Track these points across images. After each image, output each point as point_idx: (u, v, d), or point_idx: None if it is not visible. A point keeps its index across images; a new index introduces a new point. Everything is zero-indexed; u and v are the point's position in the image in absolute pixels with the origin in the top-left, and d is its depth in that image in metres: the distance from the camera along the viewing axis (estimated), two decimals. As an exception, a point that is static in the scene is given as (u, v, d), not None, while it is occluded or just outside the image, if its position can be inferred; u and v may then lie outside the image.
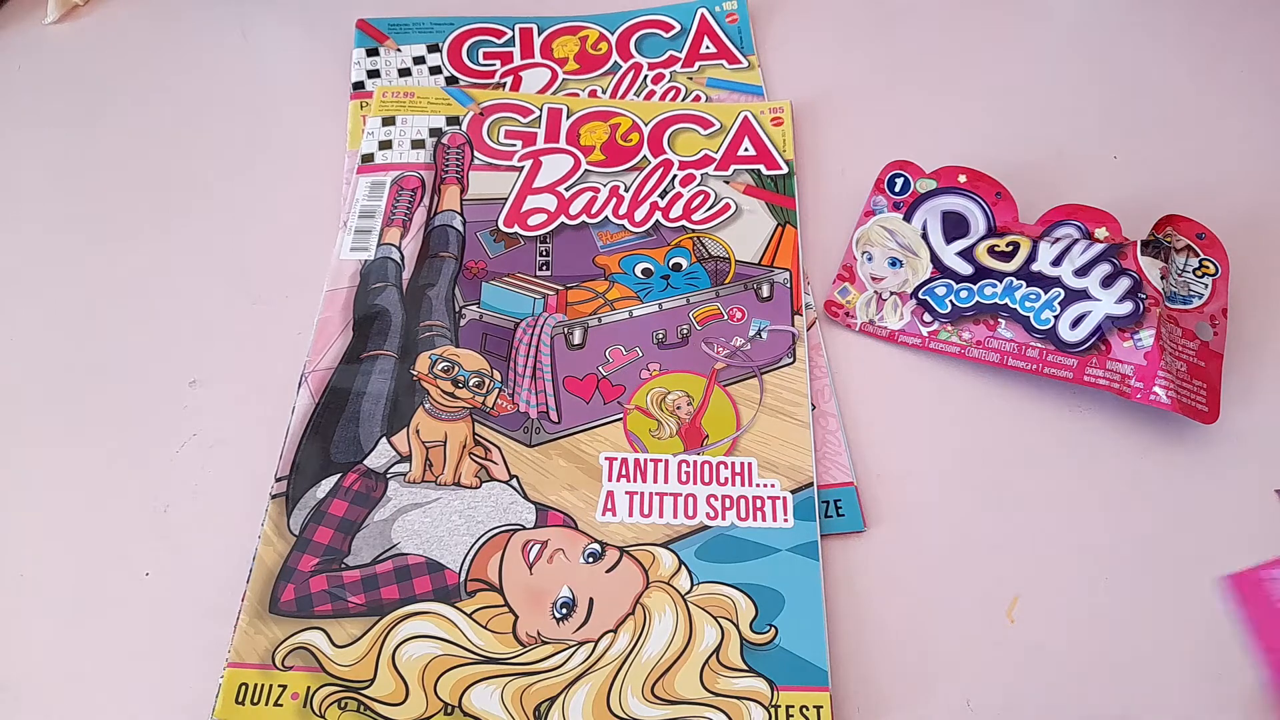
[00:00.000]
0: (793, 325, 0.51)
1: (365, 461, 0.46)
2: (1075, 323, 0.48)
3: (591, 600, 0.42)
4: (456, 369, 0.49)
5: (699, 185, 0.56)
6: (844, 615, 0.42)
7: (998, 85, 0.62)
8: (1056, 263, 0.49)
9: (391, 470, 0.45)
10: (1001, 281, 0.50)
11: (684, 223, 0.55)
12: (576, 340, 0.50)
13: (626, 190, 0.56)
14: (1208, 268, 0.50)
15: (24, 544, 0.45)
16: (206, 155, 0.59)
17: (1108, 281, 0.48)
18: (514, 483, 0.45)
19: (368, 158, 0.57)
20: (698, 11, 0.66)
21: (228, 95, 0.62)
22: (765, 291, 0.52)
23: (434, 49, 0.64)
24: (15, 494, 0.46)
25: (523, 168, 0.57)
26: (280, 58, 0.65)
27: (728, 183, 0.56)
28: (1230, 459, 0.47)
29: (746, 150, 0.58)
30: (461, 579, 0.43)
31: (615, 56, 0.63)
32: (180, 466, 0.47)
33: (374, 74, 0.62)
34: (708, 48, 0.64)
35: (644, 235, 0.54)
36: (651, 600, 0.42)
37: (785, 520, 0.44)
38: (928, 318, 0.51)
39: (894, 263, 0.53)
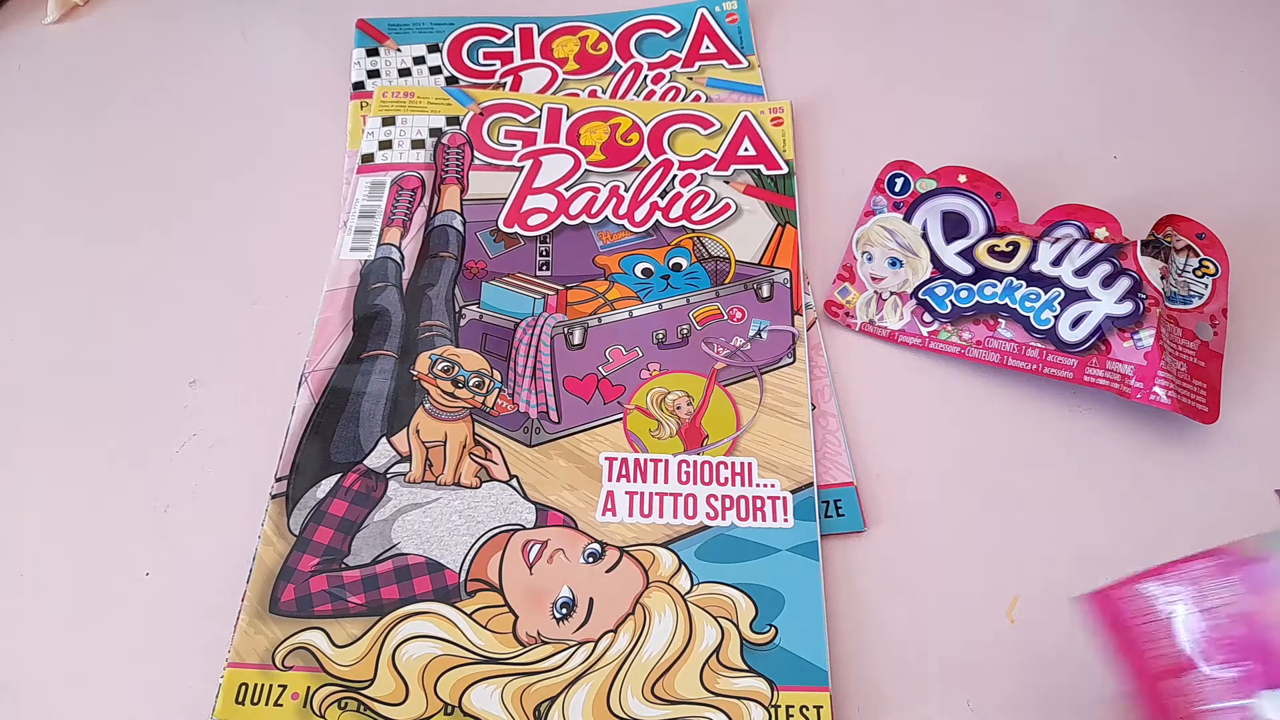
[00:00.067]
0: (793, 325, 0.51)
1: (365, 461, 0.46)
2: (1075, 323, 0.48)
3: (591, 600, 0.42)
4: (456, 369, 0.49)
5: (699, 185, 0.56)
6: (844, 615, 0.42)
7: (998, 85, 0.62)
8: (1056, 263, 0.49)
9: (391, 470, 0.45)
10: (1001, 281, 0.50)
11: (684, 223, 0.55)
12: (576, 340, 0.50)
13: (626, 190, 0.56)
14: (1208, 268, 0.50)
15: (24, 544, 0.45)
16: (206, 155, 0.59)
17: (1108, 281, 0.48)
18: (514, 483, 0.45)
19: (368, 158, 0.57)
20: (698, 11, 0.66)
21: (228, 95, 0.62)
22: (765, 291, 0.52)
23: (434, 49, 0.64)
24: (15, 494, 0.46)
25: (523, 168, 0.57)
26: (280, 58, 0.65)
27: (728, 183, 0.56)
28: (1230, 459, 0.47)
29: (746, 150, 0.58)
30: (461, 579, 0.43)
31: (615, 56, 0.63)
32: (180, 466, 0.47)
33: (374, 74, 0.62)
34: (708, 48, 0.64)
35: (644, 235, 0.54)
36: (651, 600, 0.42)
37: (785, 520, 0.44)
38: (928, 318, 0.51)
39: (894, 263, 0.53)
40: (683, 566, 0.43)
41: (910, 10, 0.67)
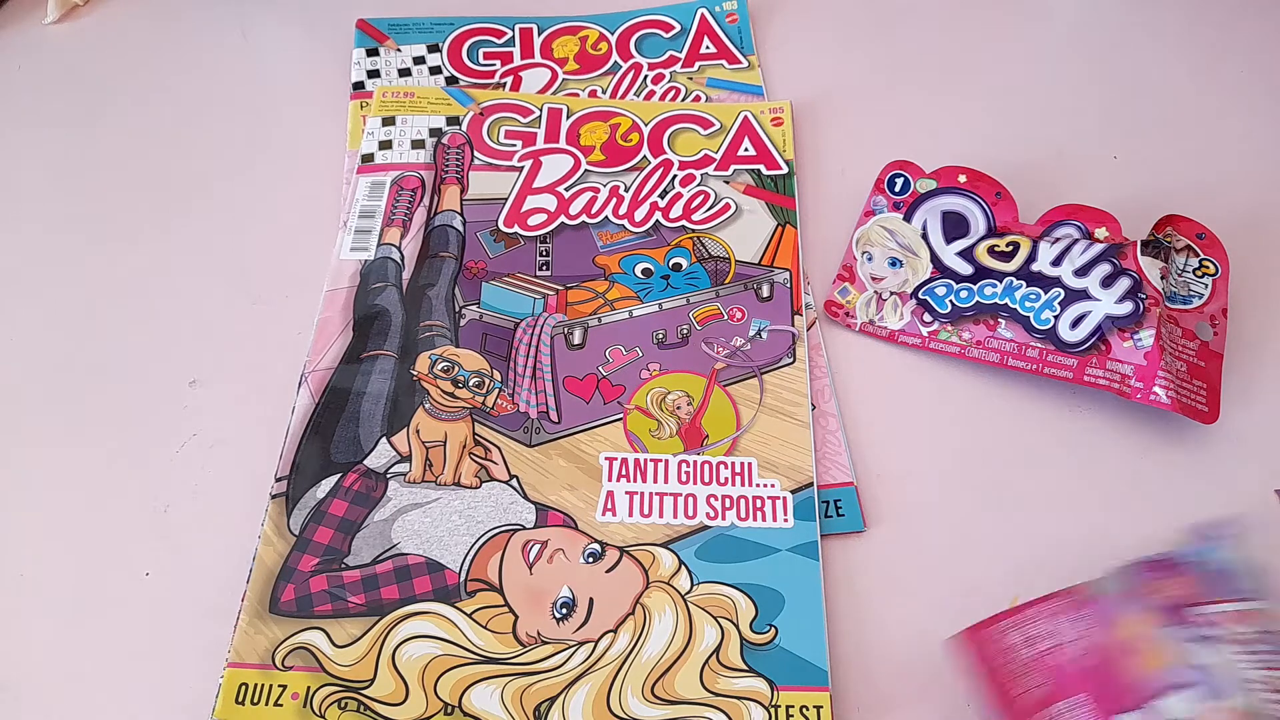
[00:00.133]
0: (793, 325, 0.51)
1: (365, 461, 0.46)
2: (1075, 323, 0.48)
3: (591, 600, 0.42)
4: (456, 369, 0.49)
5: (699, 185, 0.56)
6: (844, 615, 0.42)
7: (998, 85, 0.62)
8: (1056, 263, 0.49)
9: (391, 470, 0.45)
10: (1001, 281, 0.50)
11: (684, 223, 0.55)
12: (576, 340, 0.50)
13: (626, 190, 0.56)
14: (1208, 268, 0.50)
15: (24, 544, 0.45)
16: (206, 155, 0.59)
17: (1108, 281, 0.48)
18: (514, 483, 0.45)
19: (368, 158, 0.57)
20: (698, 11, 0.66)
21: (228, 95, 0.62)
22: (765, 291, 0.52)
23: (434, 49, 0.64)
24: (15, 494, 0.46)
25: (523, 168, 0.57)
26: (280, 58, 0.65)
27: (728, 183, 0.56)
28: (1230, 459, 0.47)
29: (746, 150, 0.58)
30: (461, 579, 0.43)
31: (615, 56, 0.63)
32: (180, 466, 0.47)
33: (374, 74, 0.62)
34: (708, 48, 0.64)
35: (644, 235, 0.54)
36: (651, 600, 0.42)
37: (785, 520, 0.44)
38: (928, 318, 0.51)
39: (894, 263, 0.53)
40: (683, 566, 0.43)
41: (910, 10, 0.67)
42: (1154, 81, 0.62)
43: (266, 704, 0.39)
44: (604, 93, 0.61)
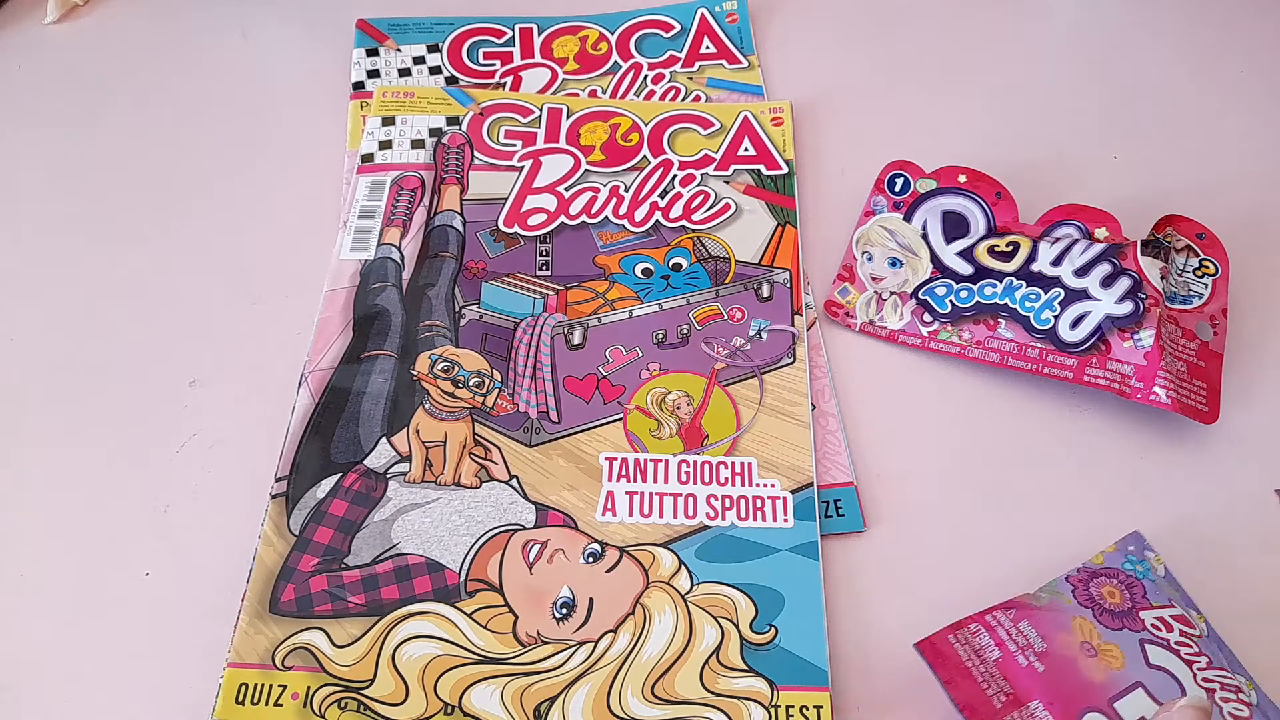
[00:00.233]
0: (793, 325, 0.51)
1: (365, 461, 0.46)
2: (1075, 323, 0.48)
3: (591, 600, 0.42)
4: (456, 369, 0.49)
5: (699, 185, 0.56)
6: (844, 615, 0.42)
7: (998, 85, 0.62)
8: (1056, 263, 0.49)
9: (391, 470, 0.45)
10: (1001, 281, 0.50)
11: (684, 223, 0.55)
12: (576, 340, 0.50)
13: (626, 190, 0.56)
14: (1208, 268, 0.50)
15: (24, 544, 0.45)
16: (206, 155, 0.59)
17: (1108, 281, 0.48)
18: (514, 483, 0.45)
19: (368, 158, 0.57)
20: (698, 11, 0.66)
21: (228, 95, 0.62)
22: (765, 291, 0.52)
23: (434, 49, 0.64)
24: (15, 494, 0.46)
25: (523, 168, 0.57)
26: (280, 58, 0.65)
27: (728, 183, 0.56)
28: (1230, 459, 0.47)
29: (746, 150, 0.58)
30: (461, 579, 0.43)
31: (615, 56, 0.63)
32: (180, 466, 0.47)
33: (374, 74, 0.62)
34: (708, 48, 0.64)
35: (644, 235, 0.54)
36: (651, 600, 0.42)
37: (785, 520, 0.44)
38: (928, 318, 0.51)
39: (894, 263, 0.53)
40: (683, 566, 0.43)
41: (910, 10, 0.67)
42: (1154, 81, 0.62)
43: (266, 704, 0.39)
44: (604, 93, 0.61)
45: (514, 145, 0.58)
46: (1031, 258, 0.50)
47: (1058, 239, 0.50)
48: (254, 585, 0.42)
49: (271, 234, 0.55)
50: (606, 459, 0.46)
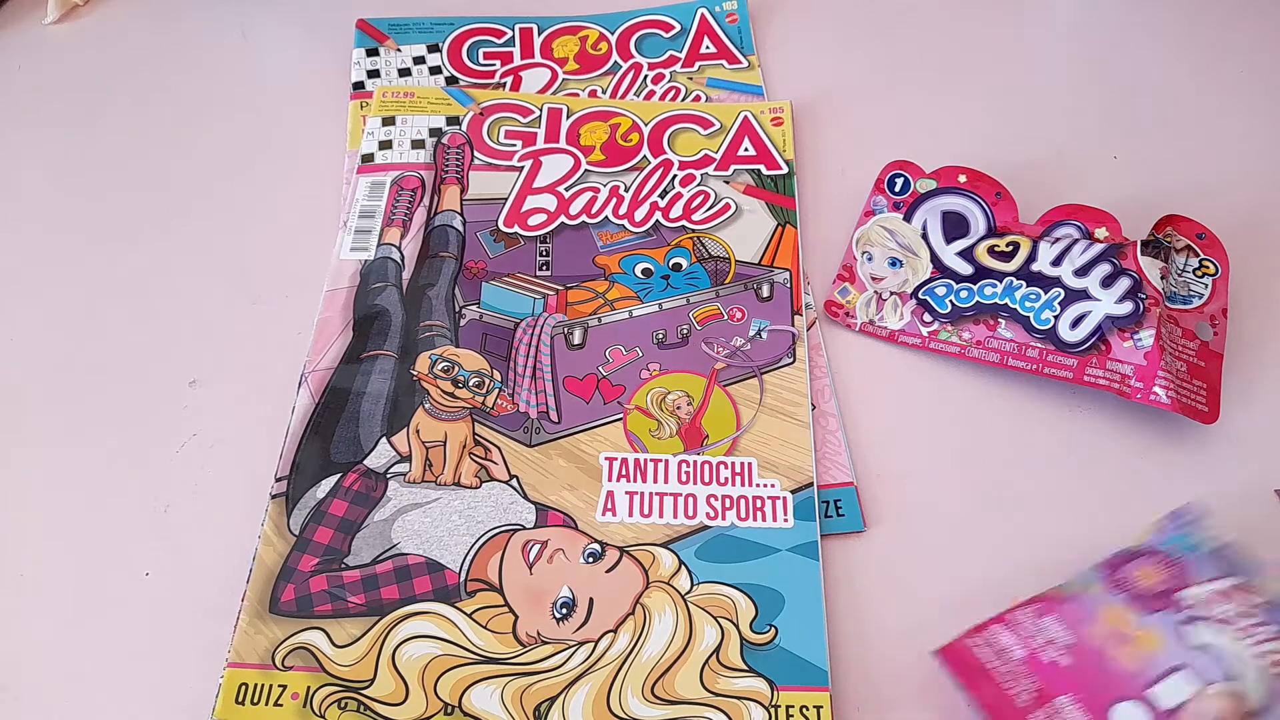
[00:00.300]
0: (793, 325, 0.51)
1: (365, 461, 0.46)
2: (1075, 323, 0.48)
3: (591, 600, 0.42)
4: (456, 369, 0.49)
5: (699, 185, 0.56)
6: (844, 615, 0.42)
7: (998, 85, 0.62)
8: (1056, 263, 0.49)
9: (391, 470, 0.45)
10: (1001, 281, 0.50)
11: (684, 223, 0.55)
12: (576, 340, 0.50)
13: (626, 190, 0.56)
14: (1208, 268, 0.50)
15: (24, 544, 0.45)
16: (206, 155, 0.59)
17: (1108, 281, 0.48)
18: (514, 483, 0.45)
19: (368, 158, 0.57)
20: (698, 11, 0.66)
21: (228, 95, 0.63)
22: (765, 291, 0.52)
23: (434, 49, 0.64)
24: (15, 494, 0.46)
25: (523, 168, 0.57)
26: (280, 58, 0.65)
27: (728, 183, 0.56)
28: (1230, 459, 0.47)
29: (746, 150, 0.58)
30: (461, 579, 0.43)
31: (615, 56, 0.63)
32: (180, 466, 0.47)
33: (374, 74, 0.62)
34: (708, 48, 0.64)
35: (644, 235, 0.54)
36: (651, 600, 0.42)
37: (785, 520, 0.44)
38: (928, 318, 0.51)
39: (894, 263, 0.53)
40: (683, 566, 0.43)
41: (910, 10, 0.67)
42: (1154, 81, 0.62)
43: (266, 704, 0.39)
44: (604, 93, 0.61)
45: (514, 145, 0.58)
46: (1031, 258, 0.50)
47: (1058, 239, 0.50)
48: (254, 585, 0.42)
49: (271, 234, 0.55)
50: (606, 459, 0.46)
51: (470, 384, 0.48)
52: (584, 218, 0.55)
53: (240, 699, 0.39)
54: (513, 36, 0.64)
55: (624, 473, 0.46)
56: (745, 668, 0.40)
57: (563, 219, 0.55)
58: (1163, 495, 0.46)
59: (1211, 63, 0.63)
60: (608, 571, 0.43)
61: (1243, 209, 0.55)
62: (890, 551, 0.44)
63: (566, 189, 0.56)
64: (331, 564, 0.43)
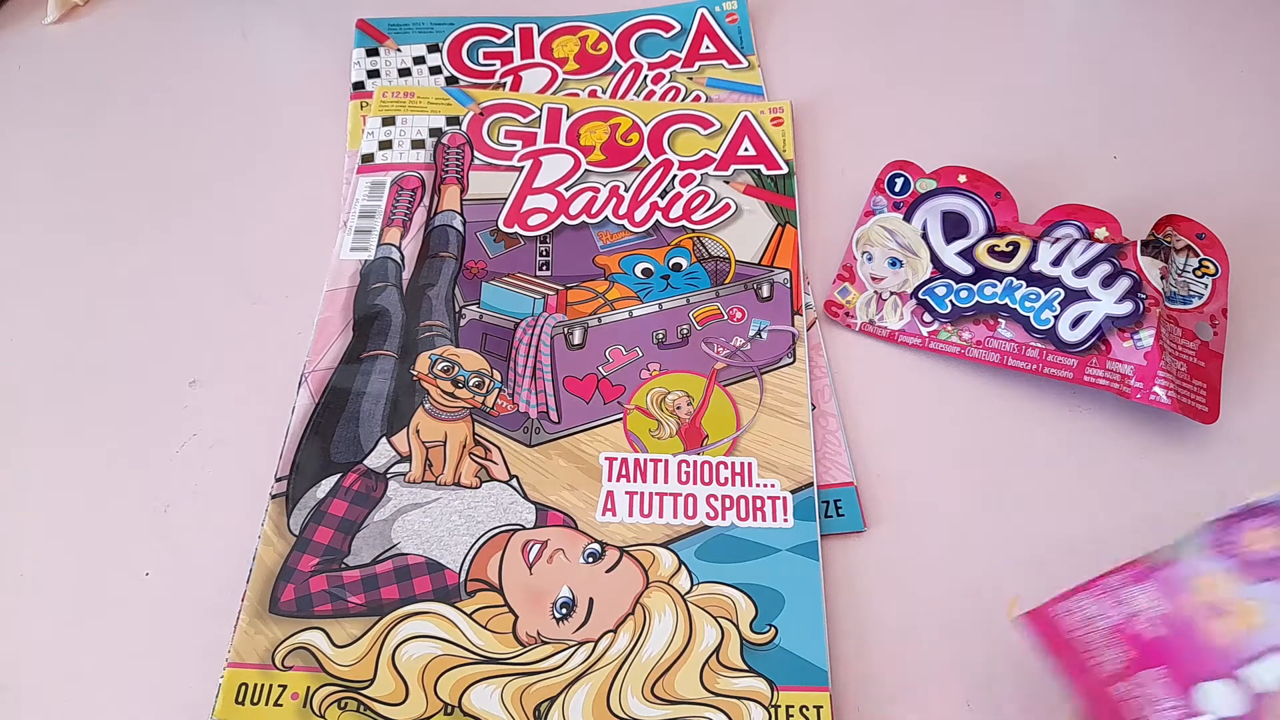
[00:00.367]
0: (793, 325, 0.51)
1: (365, 461, 0.46)
2: (1075, 323, 0.48)
3: (591, 600, 0.42)
4: (456, 369, 0.49)
5: (699, 185, 0.56)
6: (844, 615, 0.42)
7: (998, 85, 0.62)
8: (1056, 263, 0.49)
9: (391, 470, 0.45)
10: (1001, 281, 0.50)
11: (684, 223, 0.55)
12: (576, 340, 0.50)
13: (626, 190, 0.56)
14: (1208, 268, 0.50)
15: (24, 544, 0.45)
16: (206, 155, 0.59)
17: (1108, 281, 0.48)
18: (514, 483, 0.45)
19: (368, 158, 0.57)
20: (698, 11, 0.66)
21: (228, 95, 0.63)
22: (765, 291, 0.52)
23: (434, 49, 0.64)
24: (15, 494, 0.46)
25: (523, 168, 0.57)
26: (280, 58, 0.65)
27: (728, 183, 0.56)
28: (1230, 459, 0.47)
29: (746, 150, 0.58)
30: (461, 579, 0.43)
31: (615, 56, 0.63)
32: (180, 466, 0.47)
33: (374, 74, 0.62)
34: (708, 48, 0.64)
35: (644, 235, 0.54)
36: (651, 600, 0.42)
37: (785, 520, 0.44)
38: (928, 318, 0.51)
39: (894, 263, 0.53)
40: (683, 566, 0.43)
41: (910, 10, 0.67)
42: (1154, 81, 0.62)
43: (266, 704, 0.39)
44: (604, 93, 0.61)
45: (514, 145, 0.58)
46: (1031, 258, 0.50)
47: (1058, 239, 0.50)
48: (254, 585, 0.42)
49: (271, 234, 0.55)
50: (606, 459, 0.46)
51: (470, 384, 0.48)
52: (584, 218, 0.55)
53: (240, 699, 0.39)
54: (513, 36, 0.64)
55: (624, 473, 0.46)
56: (745, 668, 0.40)
57: (563, 219, 0.55)
58: (1163, 495, 0.46)
59: (1211, 63, 0.63)
60: (608, 571, 0.43)
61: (1243, 209, 0.55)
62: (890, 551, 0.44)
63: (566, 189, 0.56)
64: (331, 564, 0.43)
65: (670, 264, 0.53)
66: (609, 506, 0.45)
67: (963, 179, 0.53)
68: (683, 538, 0.44)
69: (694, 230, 0.54)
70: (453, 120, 0.59)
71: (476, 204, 0.55)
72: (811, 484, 0.45)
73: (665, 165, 0.57)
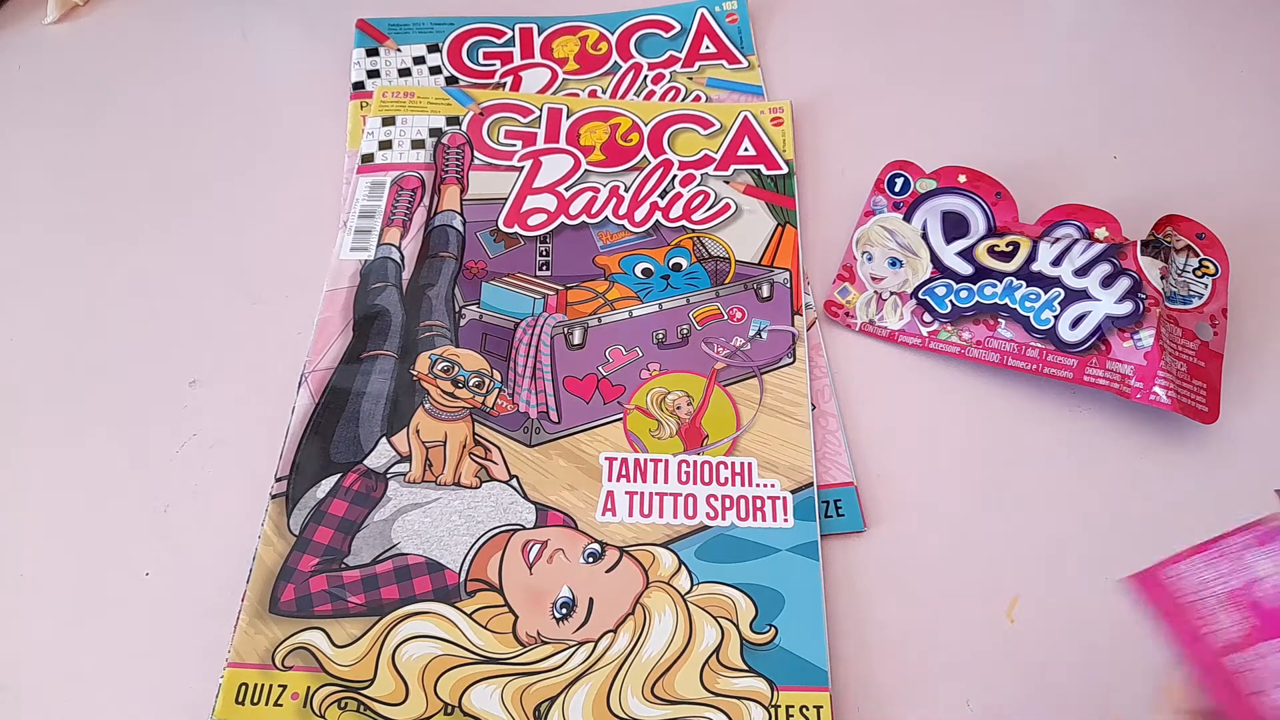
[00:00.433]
0: (793, 325, 0.51)
1: (365, 461, 0.46)
2: (1075, 323, 0.48)
3: (591, 600, 0.42)
4: (456, 369, 0.49)
5: (699, 185, 0.56)
6: (844, 615, 0.42)
7: (998, 85, 0.62)
8: (1056, 263, 0.49)
9: (391, 470, 0.45)
10: (1001, 281, 0.50)
11: (684, 223, 0.55)
12: (576, 340, 0.50)
13: (626, 190, 0.56)
14: (1208, 268, 0.50)
15: (24, 544, 0.45)
16: (206, 155, 0.59)
17: (1108, 281, 0.48)
18: (514, 483, 0.45)
19: (368, 158, 0.57)
20: (698, 11, 0.66)
21: (228, 95, 0.62)
22: (765, 291, 0.52)
23: (434, 49, 0.64)
24: (15, 494, 0.46)
25: (523, 168, 0.57)
26: (280, 58, 0.65)
27: (728, 183, 0.56)
28: (1230, 459, 0.47)
29: (746, 150, 0.58)
30: (461, 579, 0.43)
31: (615, 56, 0.63)
32: (180, 466, 0.47)
33: (374, 74, 0.62)
34: (708, 48, 0.64)
35: (644, 235, 0.54)
36: (651, 600, 0.42)
37: (785, 520, 0.44)
38: (928, 318, 0.51)
39: (894, 263, 0.53)
40: (683, 566, 0.43)
41: (910, 10, 0.67)
42: (1154, 81, 0.62)
43: (266, 704, 0.39)
44: (604, 93, 0.61)
45: (514, 145, 0.58)
46: (1031, 258, 0.50)
47: (1058, 239, 0.50)
48: (254, 585, 0.42)
49: (271, 234, 0.55)
50: (606, 459, 0.46)
51: (470, 384, 0.48)
52: (584, 218, 0.55)
53: (240, 699, 0.39)
54: (513, 36, 0.64)
55: (624, 473, 0.46)
56: (745, 668, 0.40)
57: (563, 219, 0.55)
58: (1163, 495, 0.46)
59: (1211, 63, 0.63)
60: (608, 571, 0.43)
61: (1243, 209, 0.55)
62: (890, 551, 0.44)
63: (566, 189, 0.56)
64: (331, 564, 0.43)
65: (670, 264, 0.53)
66: (609, 506, 0.45)
67: (963, 179, 0.53)
68: (683, 538, 0.44)
69: (694, 230, 0.54)
70: (453, 120, 0.59)
71: (476, 204, 0.55)
72: (811, 484, 0.45)
73: (665, 165, 0.57)
